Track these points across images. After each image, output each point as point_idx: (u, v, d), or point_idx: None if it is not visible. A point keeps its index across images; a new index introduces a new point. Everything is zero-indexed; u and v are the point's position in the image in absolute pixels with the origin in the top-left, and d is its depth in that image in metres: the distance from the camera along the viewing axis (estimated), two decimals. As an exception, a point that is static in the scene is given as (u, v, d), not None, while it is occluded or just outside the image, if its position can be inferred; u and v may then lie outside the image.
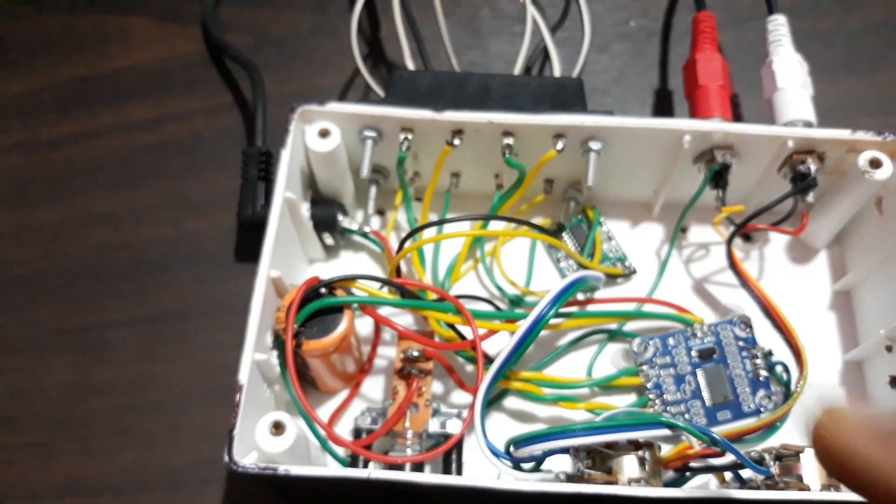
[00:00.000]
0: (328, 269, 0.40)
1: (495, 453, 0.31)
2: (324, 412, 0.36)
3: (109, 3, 0.48)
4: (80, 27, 0.47)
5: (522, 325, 0.33)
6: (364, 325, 0.38)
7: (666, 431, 0.30)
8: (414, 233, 0.36)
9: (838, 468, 0.19)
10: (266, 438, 0.30)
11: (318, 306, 0.32)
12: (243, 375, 0.31)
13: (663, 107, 0.45)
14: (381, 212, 0.41)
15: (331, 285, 0.33)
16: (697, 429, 0.31)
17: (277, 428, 0.30)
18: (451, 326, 0.35)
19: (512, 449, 0.31)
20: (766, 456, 0.32)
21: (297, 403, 0.31)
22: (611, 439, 0.30)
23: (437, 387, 0.37)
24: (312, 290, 0.33)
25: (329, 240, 0.39)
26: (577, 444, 0.30)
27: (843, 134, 0.36)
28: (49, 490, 0.37)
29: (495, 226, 0.39)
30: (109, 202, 0.43)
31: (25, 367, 0.39)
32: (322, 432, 0.32)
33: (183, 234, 0.42)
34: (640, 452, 0.31)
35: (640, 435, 0.30)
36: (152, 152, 0.44)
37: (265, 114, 0.41)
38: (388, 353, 0.38)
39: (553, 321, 0.36)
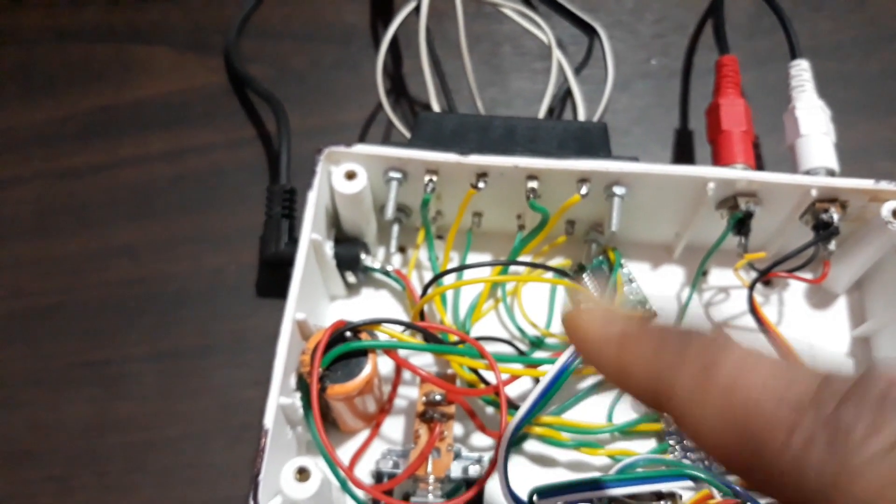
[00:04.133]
0: (349, 307, 0.40)
1: (519, 503, 0.31)
2: (345, 452, 0.36)
3: (132, 33, 0.48)
4: (101, 56, 0.47)
5: (547, 375, 0.33)
6: (384, 365, 0.38)
7: (689, 483, 0.31)
8: (437, 279, 0.36)
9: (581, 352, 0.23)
10: (291, 484, 0.30)
11: (344, 350, 0.32)
12: (269, 420, 0.31)
13: (684, 147, 0.45)
14: (402, 249, 0.41)
15: (356, 329, 0.33)
16: (720, 481, 0.31)
17: (302, 473, 0.30)
18: (474, 371, 0.35)
19: (535, 499, 0.31)
20: (789, 508, 0.32)
21: (321, 448, 0.31)
22: (635, 491, 0.30)
23: (457, 429, 0.37)
24: (338, 334, 0.33)
25: (351, 278, 0.39)
26: (600, 497, 0.30)
27: (867, 184, 0.36)
28: (66, 526, 0.37)
29: (516, 269, 0.39)
30: (129, 234, 0.43)
31: (44, 400, 0.39)
32: (344, 476, 0.32)
33: (202, 268, 0.42)
34: (663, 503, 0.31)
35: (665, 487, 0.31)
36: (173, 184, 0.44)
37: (289, 150, 0.42)
38: (409, 394, 0.38)
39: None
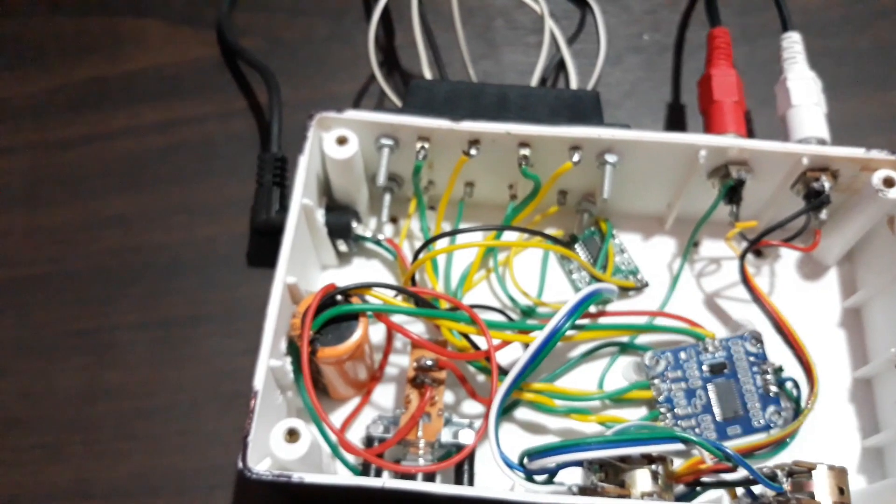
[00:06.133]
0: (341, 276, 0.40)
1: (509, 465, 0.31)
2: (335, 419, 0.36)
3: (124, 5, 0.48)
4: (93, 28, 0.47)
5: (538, 338, 0.33)
6: (376, 333, 0.38)
7: (680, 446, 0.31)
8: (428, 243, 0.36)
9: None
10: (281, 445, 0.30)
11: (335, 313, 0.32)
12: (258, 381, 0.31)
13: (675, 121, 0.45)
14: (394, 219, 0.41)
15: (347, 293, 0.33)
16: (710, 444, 0.31)
17: (292, 435, 0.30)
18: (465, 336, 0.35)
19: (526, 461, 0.31)
20: (779, 472, 0.32)
21: (312, 411, 0.31)
22: (625, 453, 0.30)
23: (448, 396, 0.37)
24: (328, 298, 0.33)
25: (343, 246, 0.39)
26: (591, 458, 0.30)
27: (858, 152, 0.36)
28: (57, 492, 0.37)
29: (508, 236, 0.39)
30: (121, 205, 0.43)
31: (35, 368, 0.39)
32: (335, 439, 0.32)
33: (194, 238, 0.42)
34: (654, 466, 0.31)
35: (654, 449, 0.31)
36: (165, 155, 0.44)
37: (281, 119, 0.42)
38: (400, 361, 0.38)
39: (567, 333, 0.36)
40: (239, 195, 0.42)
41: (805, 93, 0.39)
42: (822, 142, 0.38)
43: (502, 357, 0.35)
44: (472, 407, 0.37)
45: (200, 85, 0.46)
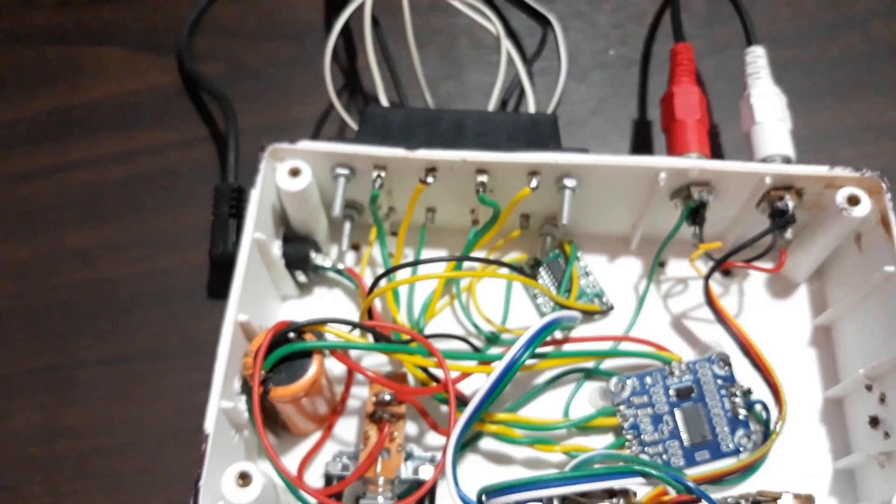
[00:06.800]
0: (301, 307, 0.39)
1: (466, 503, 0.31)
2: (296, 455, 0.36)
3: (83, 34, 0.47)
4: (53, 58, 0.47)
5: (496, 370, 0.32)
6: (337, 365, 0.37)
7: (640, 479, 0.30)
8: (386, 274, 0.36)
9: None
10: (232, 489, 0.30)
11: (286, 352, 0.32)
12: (209, 424, 0.31)
13: (643, 138, 0.44)
14: (355, 246, 0.40)
15: (300, 329, 0.33)
16: (671, 477, 0.30)
17: (244, 479, 0.30)
18: (424, 369, 0.34)
19: (484, 498, 0.30)
20: (743, 502, 0.31)
21: (266, 455, 0.31)
22: (585, 489, 0.30)
23: (411, 428, 0.36)
24: (280, 335, 0.32)
25: (302, 277, 0.38)
26: (549, 496, 0.29)
27: (821, 170, 0.35)
28: (17, 535, 0.36)
29: (470, 265, 0.38)
30: (81, 238, 0.42)
31: (-7, 408, 0.39)
32: (289, 481, 0.32)
33: (155, 269, 0.41)
34: (615, 500, 0.30)
35: (615, 484, 0.30)
36: (125, 186, 0.43)
37: (237, 149, 0.41)
38: (362, 393, 0.37)
39: (529, 361, 0.36)
40: (200, 225, 0.41)
41: (769, 109, 0.38)
42: (786, 159, 0.37)
43: (465, 387, 0.34)
44: (435, 439, 0.36)
45: (161, 113, 0.45)
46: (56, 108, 0.45)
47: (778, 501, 0.31)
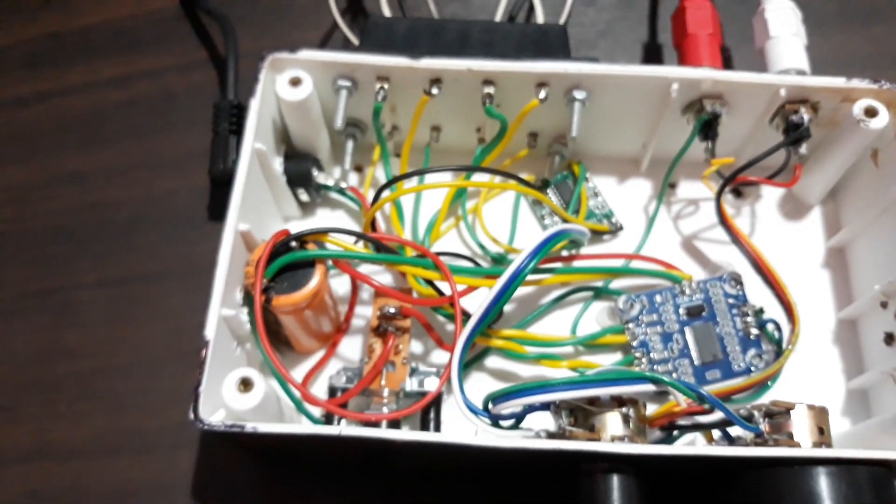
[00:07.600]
0: (304, 226, 0.38)
1: (472, 409, 0.30)
2: (299, 372, 0.35)
3: (80, -42, 0.46)
4: (49, -18, 0.46)
5: (501, 279, 0.31)
6: (340, 285, 0.36)
7: (650, 387, 0.29)
8: (391, 182, 0.35)
9: None
10: (233, 395, 0.29)
11: (288, 260, 0.31)
12: (210, 331, 0.30)
13: (652, 61, 0.43)
14: (359, 168, 0.39)
15: (302, 239, 0.32)
16: (684, 384, 0.29)
17: (245, 385, 0.29)
18: (430, 283, 0.33)
19: (490, 405, 0.30)
20: (756, 413, 0.31)
21: (268, 361, 0.30)
22: (593, 394, 0.29)
23: (416, 347, 0.36)
24: (282, 244, 0.31)
25: (304, 196, 0.37)
26: (557, 399, 0.29)
27: (838, 82, 0.34)
28: (17, 454, 0.36)
29: (478, 178, 0.38)
30: (79, 162, 0.41)
31: (-9, 329, 0.38)
32: (295, 391, 0.31)
33: (154, 193, 0.40)
34: (624, 409, 0.29)
35: (624, 390, 0.29)
36: (123, 110, 0.42)
37: (237, 66, 0.40)
38: (366, 313, 0.36)
39: (537, 277, 0.35)
40: (199, 147, 0.40)
41: (783, 23, 0.37)
42: (801, 73, 0.36)
43: (470, 304, 0.34)
44: (440, 356, 0.36)
45: (159, 37, 0.44)
46: (53, 33, 0.44)
47: (791, 412, 0.30)
